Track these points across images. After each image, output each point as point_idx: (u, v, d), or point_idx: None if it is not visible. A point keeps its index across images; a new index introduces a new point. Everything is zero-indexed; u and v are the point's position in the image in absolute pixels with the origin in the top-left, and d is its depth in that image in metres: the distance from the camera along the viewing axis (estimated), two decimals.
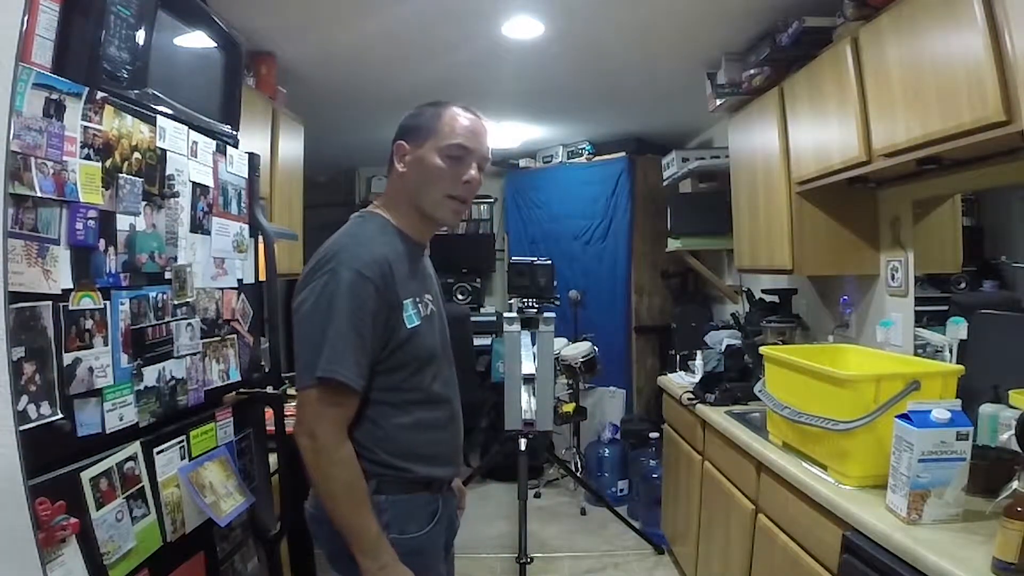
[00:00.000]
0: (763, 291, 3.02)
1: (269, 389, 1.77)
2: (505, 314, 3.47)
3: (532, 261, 3.50)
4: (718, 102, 2.91)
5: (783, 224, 2.47)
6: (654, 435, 3.61)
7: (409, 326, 1.28)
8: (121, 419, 1.24)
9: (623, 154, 4.56)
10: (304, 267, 1.30)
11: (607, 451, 3.97)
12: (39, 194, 1.05)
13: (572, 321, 4.34)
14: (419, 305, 1.31)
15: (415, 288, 1.32)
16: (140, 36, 1.32)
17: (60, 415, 1.08)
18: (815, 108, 2.22)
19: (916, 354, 2.10)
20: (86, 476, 1.13)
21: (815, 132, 2.24)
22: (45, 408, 1.05)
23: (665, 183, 4.14)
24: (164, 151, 1.39)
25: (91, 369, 1.16)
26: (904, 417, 1.34)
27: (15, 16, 1.00)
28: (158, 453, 1.34)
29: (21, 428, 0.97)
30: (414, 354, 1.29)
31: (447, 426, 1.38)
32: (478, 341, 4.55)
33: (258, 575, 1.73)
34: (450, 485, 1.44)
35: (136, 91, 1.32)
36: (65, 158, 1.10)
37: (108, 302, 1.21)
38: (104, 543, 1.14)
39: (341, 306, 1.20)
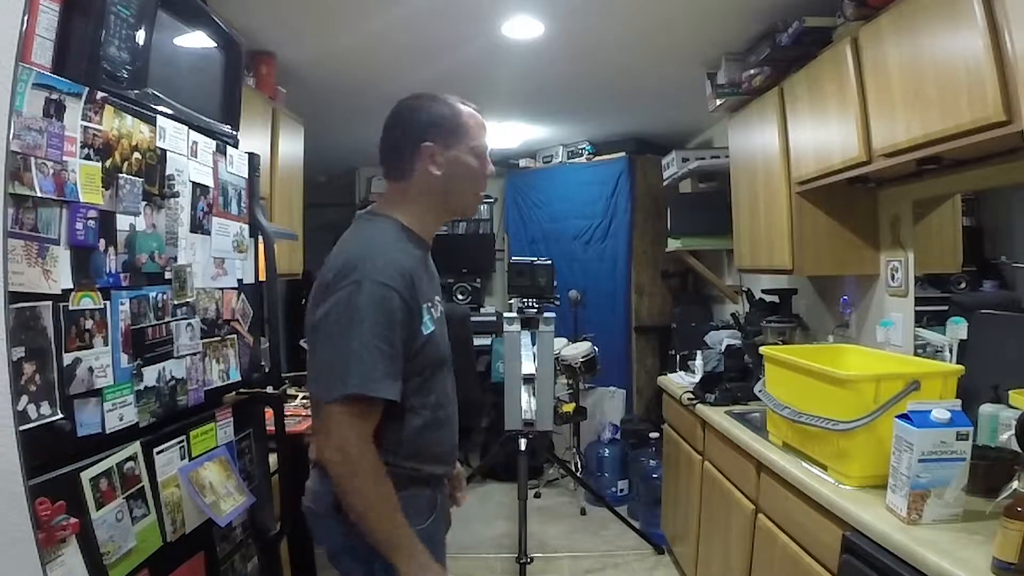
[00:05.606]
0: (763, 291, 3.02)
1: (269, 389, 1.77)
2: (505, 314, 3.47)
3: (532, 261, 3.50)
4: (718, 102, 2.91)
5: (783, 224, 2.47)
6: (654, 435, 3.61)
7: (425, 332, 1.27)
8: (121, 419, 1.24)
9: (623, 154, 4.56)
10: (321, 275, 1.26)
11: (607, 451, 3.97)
12: (39, 194, 1.05)
13: (572, 321, 4.34)
14: (432, 310, 1.31)
15: (429, 293, 1.32)
16: (140, 36, 1.32)
17: (60, 415, 1.08)
18: (815, 108, 2.22)
19: (916, 354, 2.09)
20: (86, 476, 1.13)
21: (815, 132, 2.23)
22: (45, 408, 1.05)
23: (665, 183, 4.14)
24: (164, 151, 1.39)
25: (91, 369, 1.16)
26: (904, 417, 1.34)
27: (15, 16, 1.00)
28: (158, 453, 1.34)
29: (21, 428, 0.97)
30: (429, 359, 1.29)
31: (451, 424, 1.39)
32: (478, 341, 4.55)
33: (258, 575, 1.73)
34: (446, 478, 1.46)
35: (136, 91, 1.32)
36: (65, 158, 1.10)
37: (108, 302, 1.21)
38: (104, 543, 1.14)
39: (368, 319, 1.18)
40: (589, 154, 4.72)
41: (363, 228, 1.34)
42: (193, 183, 1.50)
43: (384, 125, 1.37)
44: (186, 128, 1.48)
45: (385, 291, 1.19)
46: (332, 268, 1.24)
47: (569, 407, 4.03)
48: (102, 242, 1.20)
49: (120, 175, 1.24)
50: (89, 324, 1.16)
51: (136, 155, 1.29)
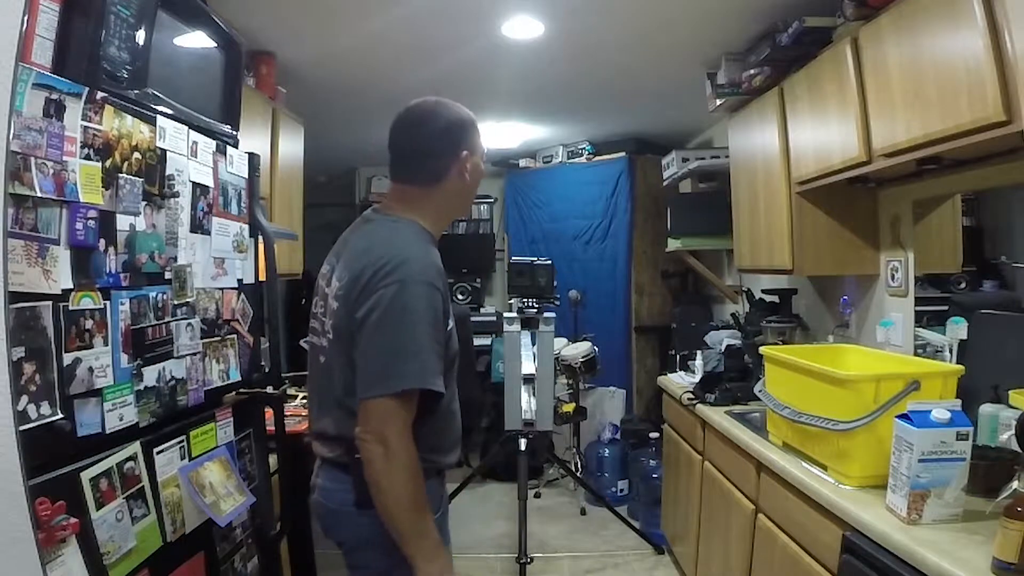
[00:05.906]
0: (763, 291, 3.02)
1: (269, 389, 1.77)
2: (505, 314, 3.47)
3: (532, 261, 3.50)
4: (718, 102, 2.91)
5: (783, 224, 2.47)
6: (654, 435, 3.61)
7: (447, 329, 1.31)
8: (121, 419, 1.24)
9: (623, 154, 4.56)
10: (353, 275, 1.27)
11: (607, 451, 3.97)
12: (39, 194, 1.05)
13: (572, 321, 4.34)
14: (449, 307, 1.34)
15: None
16: (140, 36, 1.32)
17: (60, 415, 1.08)
18: (815, 108, 2.22)
19: (916, 354, 2.09)
20: (86, 476, 1.13)
21: (815, 132, 2.23)
22: (45, 408, 1.05)
23: (665, 183, 4.14)
24: (164, 151, 1.39)
25: (91, 369, 1.16)
26: (904, 417, 1.34)
27: (15, 16, 1.00)
28: (158, 453, 1.34)
29: (21, 428, 0.97)
30: (451, 353, 1.33)
31: (458, 416, 1.42)
32: (478, 341, 4.55)
33: (258, 575, 1.73)
34: None
35: (136, 91, 1.32)
36: (65, 158, 1.10)
37: (108, 302, 1.21)
38: (104, 543, 1.14)
39: (419, 316, 1.22)
40: (589, 154, 4.72)
41: (387, 229, 1.34)
42: (193, 183, 1.50)
43: (406, 127, 1.36)
44: (186, 128, 1.48)
45: (430, 290, 1.24)
46: (368, 267, 1.25)
47: (569, 407, 4.03)
48: (102, 242, 1.20)
49: (120, 175, 1.24)
50: (89, 324, 1.16)
51: (136, 155, 1.29)
